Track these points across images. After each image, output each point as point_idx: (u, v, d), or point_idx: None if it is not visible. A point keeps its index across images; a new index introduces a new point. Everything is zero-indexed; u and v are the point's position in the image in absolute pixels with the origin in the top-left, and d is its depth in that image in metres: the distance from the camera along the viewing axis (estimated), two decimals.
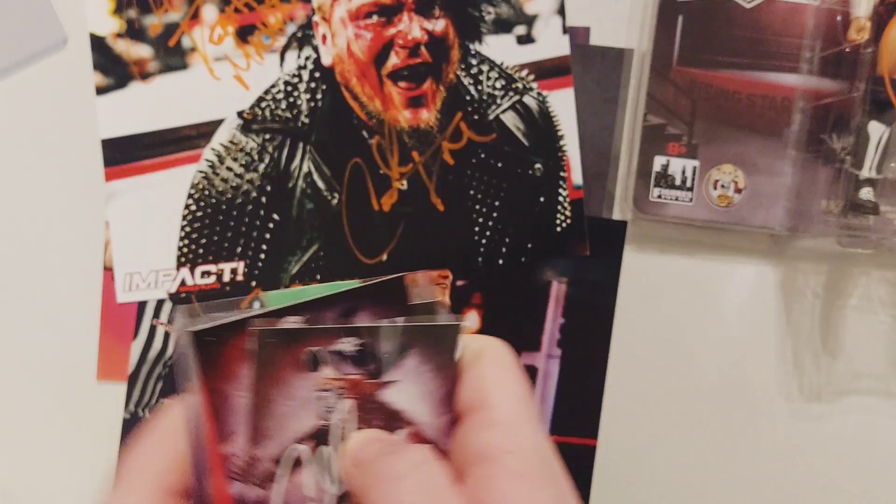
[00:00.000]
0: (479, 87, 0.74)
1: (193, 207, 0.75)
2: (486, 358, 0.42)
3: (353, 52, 0.73)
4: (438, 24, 0.73)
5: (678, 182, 0.71)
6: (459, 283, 0.75)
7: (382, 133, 0.74)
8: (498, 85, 0.74)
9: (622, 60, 0.73)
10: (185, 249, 0.75)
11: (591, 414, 0.74)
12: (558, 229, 0.74)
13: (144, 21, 0.76)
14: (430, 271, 0.75)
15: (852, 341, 0.74)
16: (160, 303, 0.76)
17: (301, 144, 0.75)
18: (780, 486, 0.74)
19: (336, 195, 0.75)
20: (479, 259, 0.74)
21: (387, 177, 0.75)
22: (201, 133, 0.75)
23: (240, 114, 0.75)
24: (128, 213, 0.76)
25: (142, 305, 0.76)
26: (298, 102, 0.75)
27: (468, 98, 0.74)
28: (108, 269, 0.76)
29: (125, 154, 0.76)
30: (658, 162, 0.71)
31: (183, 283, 0.75)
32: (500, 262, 0.74)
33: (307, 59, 0.75)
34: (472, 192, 0.74)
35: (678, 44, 0.71)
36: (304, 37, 0.75)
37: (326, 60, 0.74)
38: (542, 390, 0.74)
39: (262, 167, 0.75)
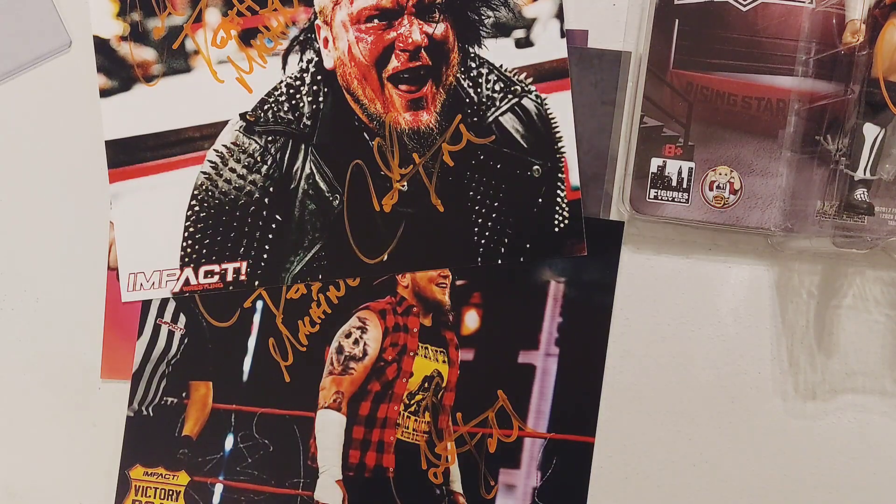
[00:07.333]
0: (479, 90, 0.75)
1: (197, 208, 0.76)
2: None
3: (354, 55, 0.74)
4: (438, 28, 0.74)
5: (674, 183, 0.71)
6: (459, 282, 0.76)
7: (383, 135, 0.75)
8: (497, 88, 0.75)
9: (619, 63, 0.74)
10: (189, 250, 0.76)
11: (589, 411, 0.75)
12: (556, 230, 0.74)
13: (148, 24, 0.77)
14: (430, 271, 0.77)
15: (847, 340, 0.74)
16: (164, 302, 0.77)
17: (303, 146, 0.75)
18: (776, 482, 0.75)
19: (337, 196, 0.75)
20: (479, 259, 0.75)
21: (387, 178, 0.75)
22: (204, 135, 0.76)
23: (242, 116, 0.76)
24: (132, 213, 0.77)
25: (146, 305, 0.77)
26: (300, 105, 0.75)
27: (468, 100, 0.75)
28: (113, 270, 0.77)
29: (129, 155, 0.77)
30: (655, 163, 0.71)
31: (186, 282, 0.76)
32: (500, 261, 0.75)
33: (309, 62, 0.75)
34: (471, 193, 0.75)
35: (675, 47, 0.71)
36: (306, 40, 0.76)
37: (328, 63, 0.75)
38: (541, 388, 0.75)
39: (264, 169, 0.76)
